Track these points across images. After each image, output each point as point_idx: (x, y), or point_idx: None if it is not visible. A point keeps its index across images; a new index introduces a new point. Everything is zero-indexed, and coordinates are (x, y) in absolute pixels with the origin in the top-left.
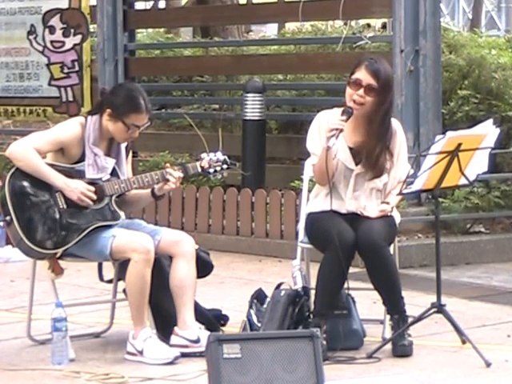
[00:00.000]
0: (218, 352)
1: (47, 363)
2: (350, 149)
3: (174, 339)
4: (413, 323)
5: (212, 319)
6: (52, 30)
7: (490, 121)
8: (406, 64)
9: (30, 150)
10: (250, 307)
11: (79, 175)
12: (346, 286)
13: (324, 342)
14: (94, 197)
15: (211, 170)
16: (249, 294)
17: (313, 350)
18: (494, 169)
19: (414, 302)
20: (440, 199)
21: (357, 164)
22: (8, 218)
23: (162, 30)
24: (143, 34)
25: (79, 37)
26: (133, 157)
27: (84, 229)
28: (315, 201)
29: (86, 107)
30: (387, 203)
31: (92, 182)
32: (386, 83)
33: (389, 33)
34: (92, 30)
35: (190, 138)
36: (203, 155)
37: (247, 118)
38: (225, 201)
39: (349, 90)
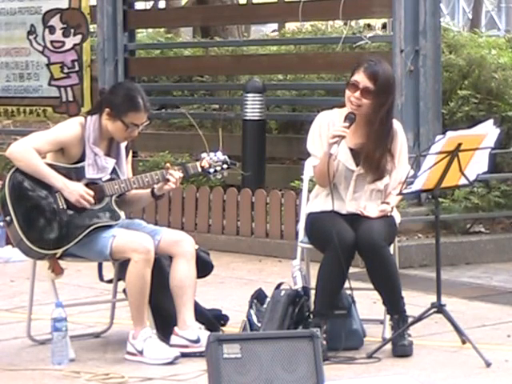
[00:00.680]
0: (218, 352)
1: (47, 363)
2: (351, 150)
3: (173, 339)
4: (413, 323)
5: (212, 319)
6: (52, 30)
7: (490, 121)
8: (406, 64)
9: (30, 151)
10: (250, 307)
11: (79, 175)
12: (346, 286)
13: (324, 342)
14: (92, 201)
15: (211, 170)
16: (249, 294)
17: (313, 350)
18: (494, 169)
19: (414, 302)
20: (440, 199)
21: (357, 165)
22: (8, 218)
23: (162, 30)
24: (143, 34)
25: (79, 37)
26: (133, 157)
27: (84, 229)
28: (315, 201)
29: (85, 107)
30: (387, 203)
31: (92, 182)
32: (385, 86)
33: (389, 33)
34: (92, 30)
35: (190, 138)
36: (203, 155)
37: (247, 118)
38: (225, 201)
39: (347, 92)
